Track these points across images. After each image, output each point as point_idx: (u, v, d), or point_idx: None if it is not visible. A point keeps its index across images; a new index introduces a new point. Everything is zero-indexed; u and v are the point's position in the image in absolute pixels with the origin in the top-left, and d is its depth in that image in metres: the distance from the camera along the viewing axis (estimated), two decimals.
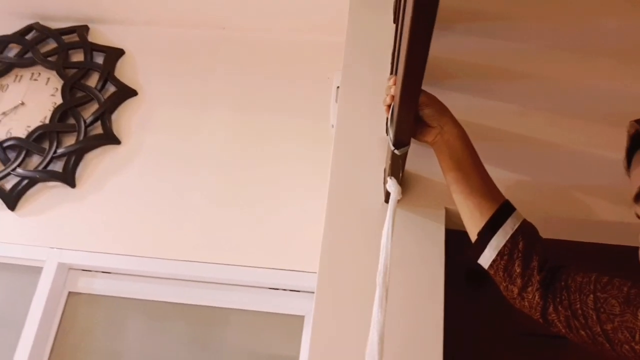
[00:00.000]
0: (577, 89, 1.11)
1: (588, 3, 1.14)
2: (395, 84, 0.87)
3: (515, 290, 0.82)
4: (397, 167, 0.91)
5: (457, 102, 1.03)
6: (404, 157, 0.91)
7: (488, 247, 0.85)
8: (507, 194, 0.89)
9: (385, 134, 0.92)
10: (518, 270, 0.82)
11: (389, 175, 0.91)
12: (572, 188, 1.06)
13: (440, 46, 1.16)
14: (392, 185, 0.89)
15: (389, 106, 0.90)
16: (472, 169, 0.89)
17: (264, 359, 1.61)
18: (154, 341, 1.65)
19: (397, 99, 0.81)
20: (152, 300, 1.68)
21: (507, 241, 0.83)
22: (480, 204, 0.87)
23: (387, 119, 0.90)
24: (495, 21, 1.15)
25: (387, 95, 0.91)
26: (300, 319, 1.60)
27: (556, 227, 1.06)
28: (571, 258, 0.89)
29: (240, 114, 1.85)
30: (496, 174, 0.92)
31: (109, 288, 1.71)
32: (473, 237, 0.88)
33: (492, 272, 0.86)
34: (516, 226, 0.84)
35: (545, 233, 0.88)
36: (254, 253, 1.64)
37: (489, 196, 0.87)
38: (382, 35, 1.28)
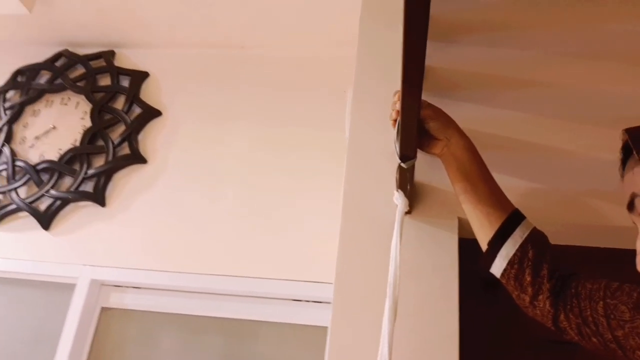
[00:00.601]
0: (585, 94, 1.10)
1: (592, 8, 1.14)
2: (400, 99, 0.89)
3: (527, 299, 0.83)
4: (404, 180, 0.93)
5: (465, 112, 1.05)
6: (411, 169, 0.93)
7: (498, 256, 0.86)
8: (519, 202, 0.90)
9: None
10: (528, 279, 0.82)
11: (396, 189, 0.93)
12: (584, 194, 1.05)
13: (446, 58, 1.18)
14: (398, 198, 0.91)
15: (395, 121, 0.92)
16: (479, 179, 0.90)
17: None
18: (185, 353, 1.70)
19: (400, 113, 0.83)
20: (181, 314, 1.73)
21: (517, 250, 0.84)
22: (489, 214, 0.88)
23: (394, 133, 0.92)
24: (499, 31, 1.16)
25: (393, 110, 0.93)
26: (324, 329, 1.61)
27: (569, 233, 1.05)
28: (585, 263, 0.89)
29: (261, 130, 1.89)
30: (507, 182, 0.93)
31: (140, 302, 1.77)
32: (484, 246, 0.89)
33: (504, 281, 0.87)
34: (525, 235, 0.85)
35: (558, 239, 0.89)
36: (277, 265, 1.67)
37: (497, 205, 0.89)
38: (392, 48, 1.29)
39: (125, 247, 1.79)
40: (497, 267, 0.86)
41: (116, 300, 1.78)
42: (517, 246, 0.84)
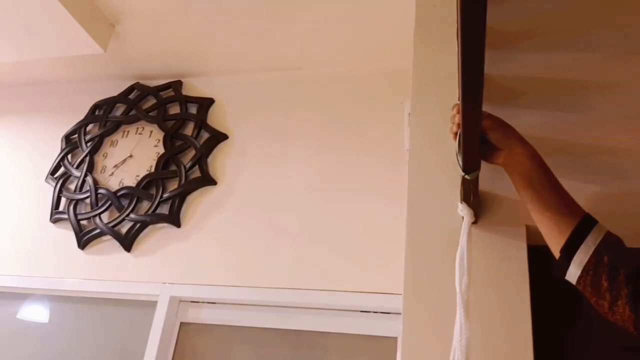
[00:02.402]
0: None
1: None
2: (459, 112, 0.91)
3: (606, 305, 0.81)
4: (468, 191, 0.95)
5: (528, 119, 1.05)
6: (475, 180, 0.94)
7: (572, 263, 0.84)
8: (591, 206, 0.89)
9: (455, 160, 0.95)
10: (605, 285, 0.81)
11: (460, 201, 0.94)
12: None
13: (504, 66, 1.18)
14: (463, 210, 0.92)
15: (455, 134, 0.94)
16: (545, 186, 0.90)
17: None
18: None
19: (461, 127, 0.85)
20: (254, 327, 1.80)
21: (591, 256, 0.82)
22: (558, 221, 0.87)
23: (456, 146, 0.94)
24: (558, 35, 1.15)
25: (453, 123, 0.95)
26: (393, 340, 1.63)
27: None
28: None
29: (321, 146, 1.94)
30: (577, 187, 0.92)
31: (215, 317, 1.85)
32: (556, 254, 0.88)
33: (580, 287, 0.85)
34: (598, 240, 0.83)
35: (636, 242, 0.87)
36: (345, 278, 1.70)
37: (566, 211, 0.87)
38: (448, 60, 1.30)
39: (200, 264, 1.88)
40: (572, 275, 0.85)
41: (194, 315, 1.87)
42: (590, 252, 0.83)
